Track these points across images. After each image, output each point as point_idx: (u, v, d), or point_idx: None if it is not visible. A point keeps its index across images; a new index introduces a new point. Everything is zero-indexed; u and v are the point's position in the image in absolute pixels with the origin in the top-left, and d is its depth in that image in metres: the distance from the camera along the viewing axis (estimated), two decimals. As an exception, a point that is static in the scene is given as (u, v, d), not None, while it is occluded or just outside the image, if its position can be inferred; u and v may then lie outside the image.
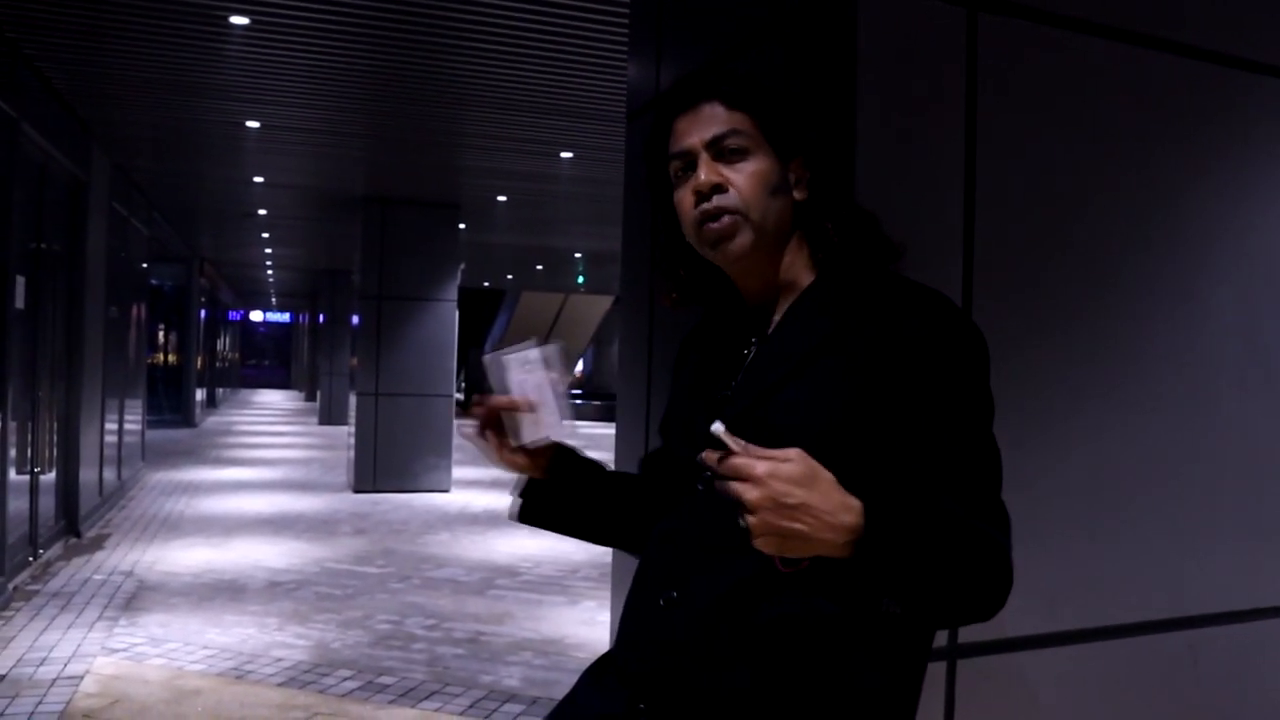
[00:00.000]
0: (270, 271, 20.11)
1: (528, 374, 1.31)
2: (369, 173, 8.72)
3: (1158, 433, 1.72)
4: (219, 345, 25.43)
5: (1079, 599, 1.64)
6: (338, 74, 5.67)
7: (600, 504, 1.44)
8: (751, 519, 0.99)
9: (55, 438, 6.73)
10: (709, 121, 1.24)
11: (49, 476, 6.59)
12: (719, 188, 1.22)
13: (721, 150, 1.24)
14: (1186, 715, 1.76)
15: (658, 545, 1.30)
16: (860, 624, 1.13)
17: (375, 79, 5.77)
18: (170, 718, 3.73)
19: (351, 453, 10.14)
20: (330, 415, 18.19)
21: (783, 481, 0.99)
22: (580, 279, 19.16)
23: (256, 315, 41.47)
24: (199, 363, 17.99)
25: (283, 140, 7.35)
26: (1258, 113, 1.85)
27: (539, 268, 17.77)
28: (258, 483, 10.33)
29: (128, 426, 9.35)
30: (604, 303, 25.11)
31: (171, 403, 16.70)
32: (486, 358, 1.32)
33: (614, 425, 2.35)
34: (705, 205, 1.23)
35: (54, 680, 4.08)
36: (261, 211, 11.13)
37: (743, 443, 1.01)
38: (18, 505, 5.93)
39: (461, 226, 10.60)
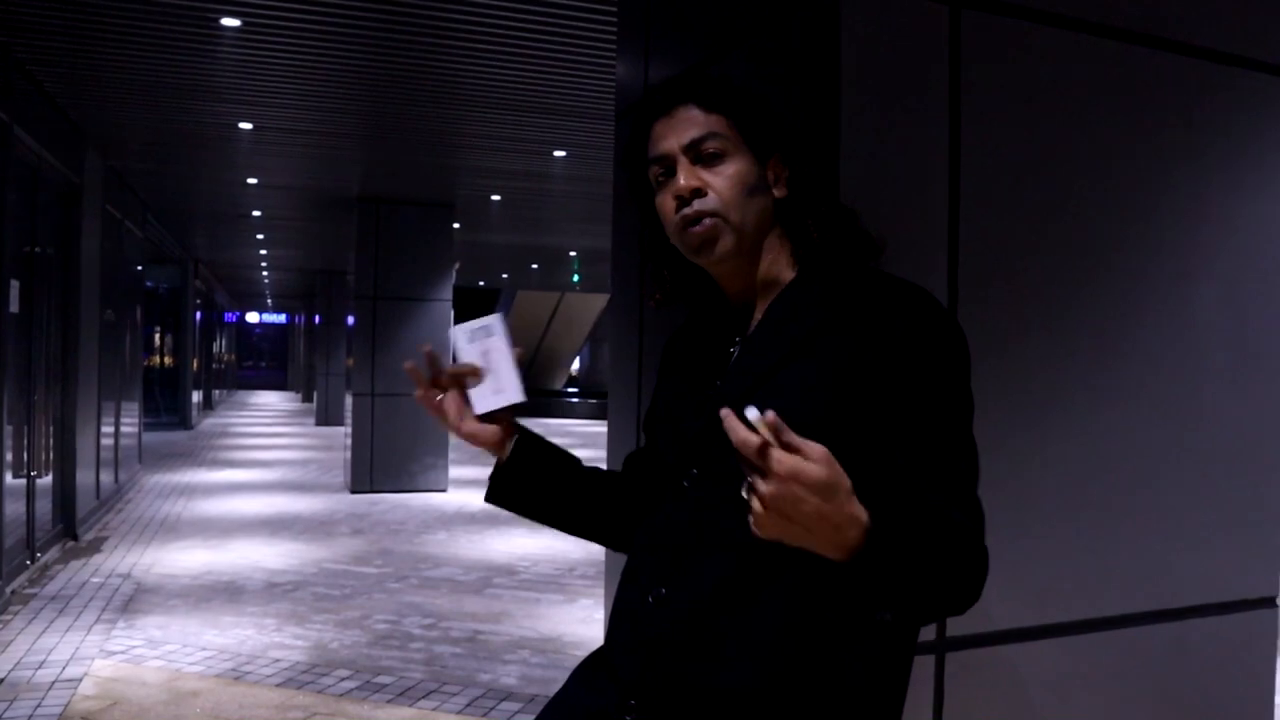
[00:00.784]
0: (266, 273, 20.09)
1: (474, 344, 1.36)
2: (363, 173, 8.73)
3: (1144, 425, 1.74)
4: (216, 347, 25.40)
5: (1067, 592, 1.65)
6: (330, 75, 5.67)
7: (568, 491, 1.44)
8: (758, 509, 0.96)
9: (51, 441, 6.73)
10: (686, 125, 1.26)
11: (46, 480, 6.59)
12: (698, 191, 1.24)
13: (700, 154, 1.25)
14: (1175, 706, 1.77)
15: (645, 543, 1.32)
16: (848, 623, 1.14)
17: (368, 80, 5.78)
18: (169, 718, 3.74)
19: (348, 453, 10.15)
20: (327, 416, 18.18)
21: (803, 486, 0.94)
22: (575, 278, 19.17)
23: (253, 317, 41.45)
24: (195, 365, 17.98)
25: (276, 141, 7.35)
26: (1242, 107, 1.86)
27: (534, 267, 17.78)
28: (255, 484, 10.33)
29: (124, 429, 9.35)
30: (600, 301, 25.13)
31: (168, 405, 16.69)
32: (450, 331, 1.38)
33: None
34: (686, 210, 1.24)
35: (52, 683, 4.09)
36: (256, 213, 11.12)
37: (775, 423, 0.95)
38: (15, 509, 5.94)
39: (456, 226, 10.60)
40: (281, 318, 39.75)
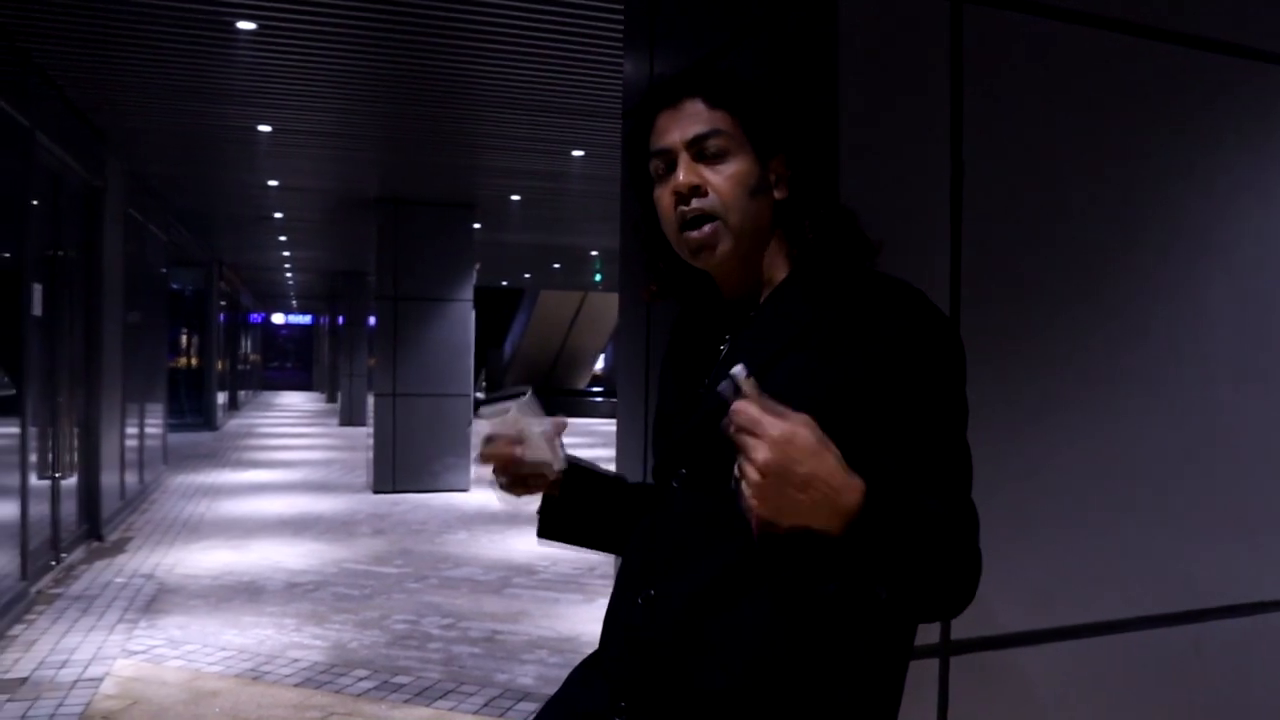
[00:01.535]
0: (289, 274, 20.24)
1: (503, 425, 1.35)
2: (382, 174, 8.76)
3: (1156, 425, 1.70)
4: (241, 348, 25.62)
5: (1076, 594, 1.62)
6: (348, 77, 5.70)
7: (614, 516, 1.44)
8: (755, 478, 0.95)
9: (76, 442, 6.80)
10: (690, 119, 1.24)
11: (71, 481, 6.66)
12: (698, 190, 1.22)
13: (702, 150, 1.23)
14: (1190, 710, 1.74)
15: (636, 544, 1.31)
16: (837, 622, 1.13)
17: (385, 81, 5.80)
18: (188, 718, 3.77)
19: (370, 453, 10.20)
20: (351, 416, 18.29)
21: (796, 449, 0.95)
22: (597, 277, 19.18)
23: (279, 318, 41.75)
24: (220, 366, 18.14)
25: (295, 144, 7.39)
26: (1253, 101, 1.83)
27: (556, 266, 17.80)
28: (278, 484, 10.41)
29: (149, 430, 9.44)
30: (622, 300, 25.06)
31: (193, 406, 16.85)
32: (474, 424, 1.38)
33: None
34: (684, 208, 1.23)
35: (74, 682, 4.13)
36: (278, 215, 11.20)
37: (760, 393, 0.96)
38: (41, 510, 6.01)
39: (476, 226, 10.63)
40: (307, 319, 40.01)
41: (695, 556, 1.19)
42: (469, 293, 10.41)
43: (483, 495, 9.80)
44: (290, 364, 43.72)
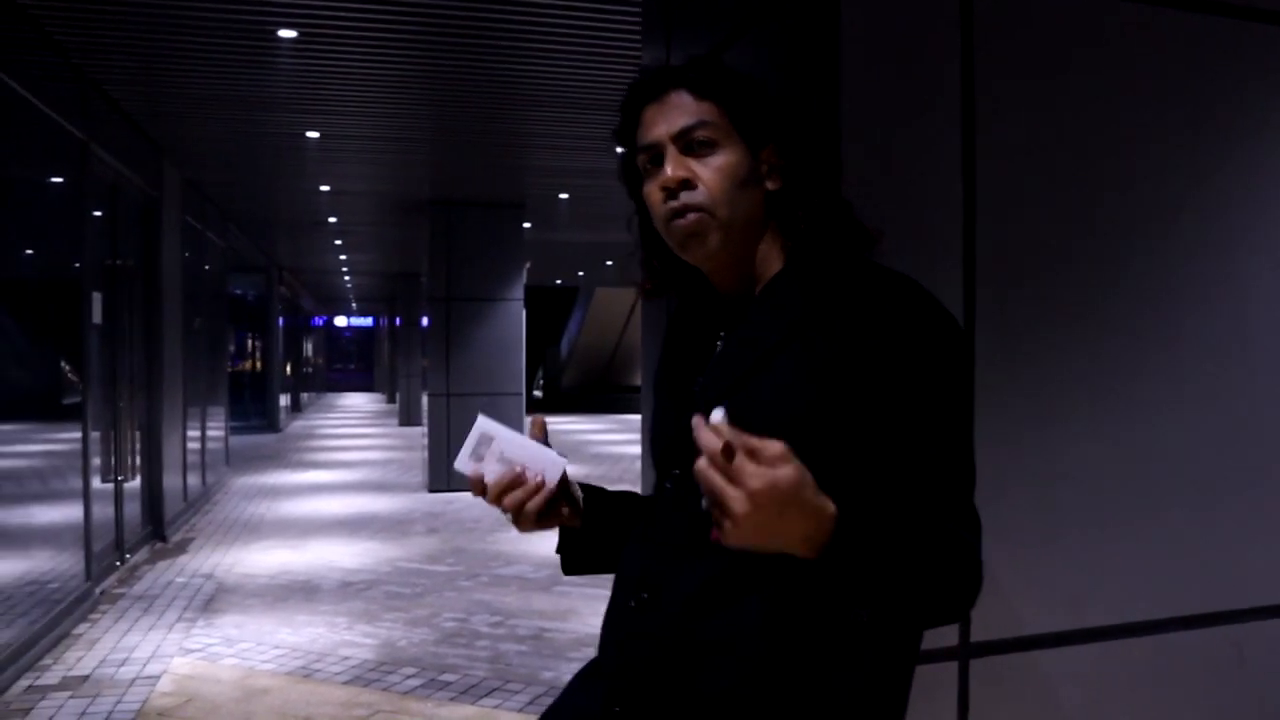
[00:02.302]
0: (347, 277, 20.56)
1: (487, 457, 1.28)
2: (432, 176, 8.85)
3: (1191, 418, 1.63)
4: (305, 351, 26.10)
5: (1107, 594, 1.56)
6: (391, 82, 5.75)
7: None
8: (729, 527, 0.93)
9: (139, 446, 6.97)
10: (676, 112, 1.21)
11: (135, 484, 6.83)
12: (686, 183, 1.19)
13: (690, 143, 1.20)
14: (1233, 713, 1.67)
15: (632, 547, 1.28)
16: (832, 627, 1.09)
17: (429, 85, 5.84)
18: (239, 716, 3.84)
19: (426, 453, 10.31)
20: (409, 416, 18.53)
21: (775, 497, 0.91)
22: (650, 273, 19.11)
23: (341, 320, 42.48)
24: (283, 368, 18.50)
25: (344, 148, 7.49)
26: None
27: (609, 263, 17.82)
28: (337, 485, 10.58)
29: (211, 433, 9.65)
30: (676, 296, 24.99)
31: (256, 408, 17.20)
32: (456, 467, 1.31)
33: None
34: (673, 202, 1.20)
35: (133, 680, 4.24)
36: (332, 219, 11.37)
37: (739, 437, 0.92)
38: (106, 513, 6.18)
39: (526, 226, 10.68)
40: (368, 321, 40.64)
41: (689, 560, 1.16)
42: (520, 292, 10.47)
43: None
44: (353, 366, 44.45)
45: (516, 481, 1.26)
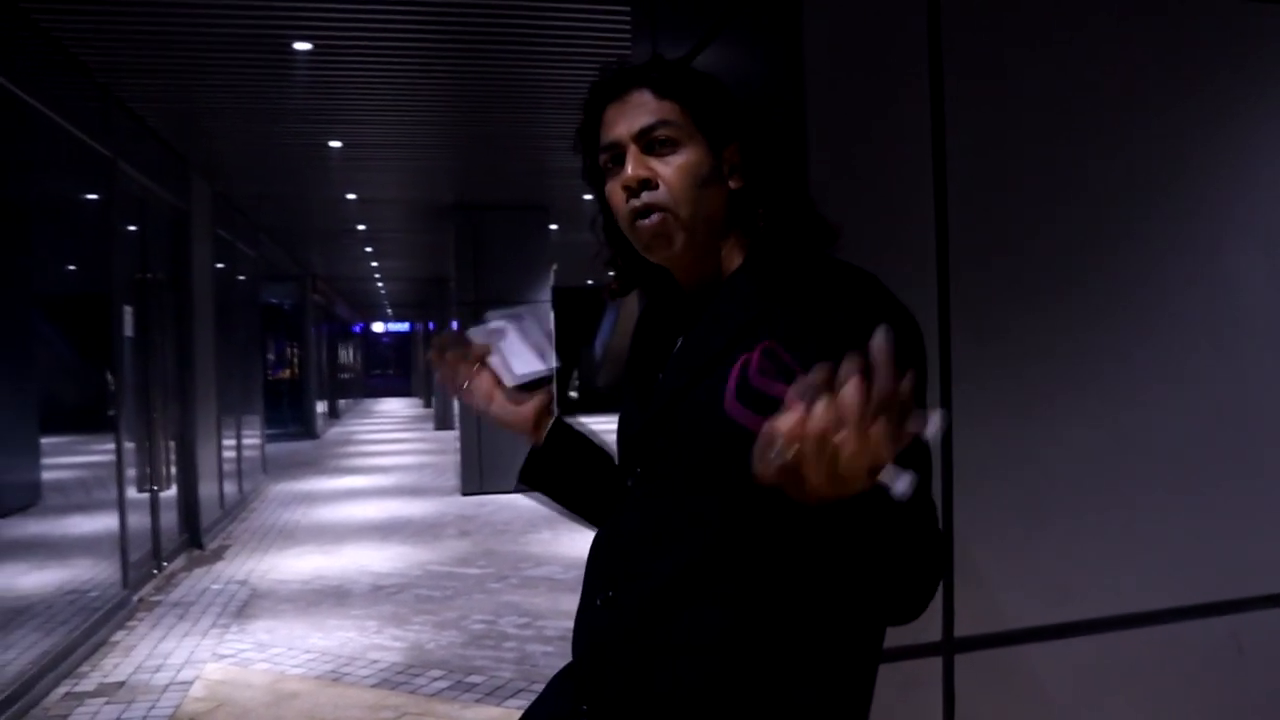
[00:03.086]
0: (380, 284, 20.75)
1: (498, 327, 1.37)
2: (456, 181, 8.91)
3: (1181, 404, 1.61)
4: (343, 357, 26.37)
5: (1097, 585, 1.55)
6: (409, 89, 5.81)
7: (598, 483, 1.43)
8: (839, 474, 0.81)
9: (174, 456, 7.10)
10: (637, 111, 1.21)
11: (171, 493, 6.95)
12: (647, 183, 1.19)
13: (650, 142, 1.20)
14: (1232, 705, 1.64)
15: (598, 544, 1.30)
16: (794, 624, 1.09)
17: (447, 92, 5.89)
18: (269, 719, 3.90)
19: (459, 456, 10.39)
20: (444, 420, 18.65)
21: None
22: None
23: (378, 326, 42.88)
24: (321, 375, 18.70)
25: (367, 157, 7.57)
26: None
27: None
28: (371, 490, 10.68)
29: (247, 441, 9.79)
30: (708, 293, 24.90)
31: (294, 416, 17.41)
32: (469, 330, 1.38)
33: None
34: (634, 202, 1.20)
35: (166, 686, 4.32)
36: (360, 227, 11.49)
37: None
38: (144, 522, 6.30)
39: (553, 228, 10.72)
40: (405, 326, 40.98)
41: (651, 558, 1.17)
42: (547, 294, 10.51)
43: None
44: (391, 371, 44.84)
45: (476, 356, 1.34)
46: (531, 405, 1.39)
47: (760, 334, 1.13)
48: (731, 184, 1.22)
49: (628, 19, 4.63)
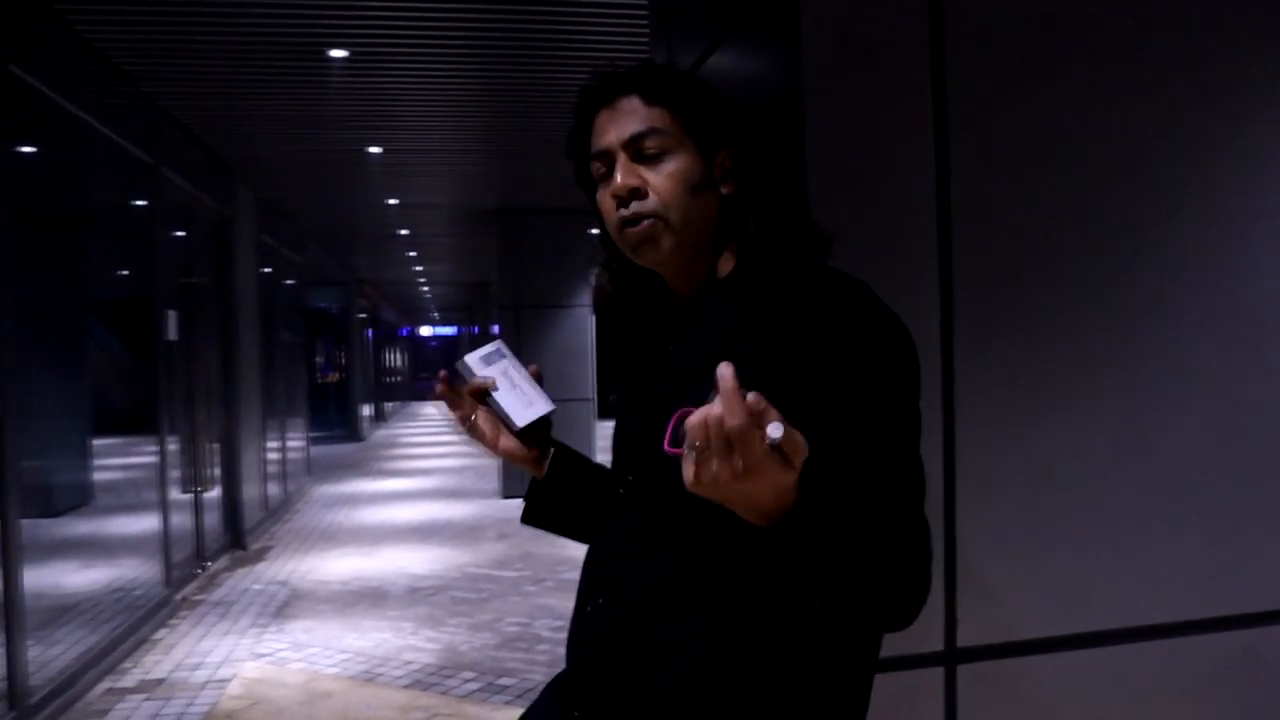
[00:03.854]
0: (425, 288, 20.96)
1: (490, 367, 1.36)
2: (497, 186, 8.97)
3: (1200, 412, 1.56)
4: (390, 360, 26.64)
5: (1105, 597, 1.51)
6: (446, 94, 5.86)
7: (601, 507, 1.42)
8: (716, 462, 0.89)
9: (217, 458, 7.23)
10: (627, 118, 1.20)
11: (215, 494, 7.08)
12: (636, 192, 1.19)
13: (640, 150, 1.20)
14: (1249, 720, 1.59)
15: (591, 550, 1.30)
16: (783, 630, 1.08)
17: (484, 97, 5.93)
18: (302, 718, 3.95)
19: (501, 460, 10.44)
20: (489, 423, 18.77)
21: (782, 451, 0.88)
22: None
23: (426, 330, 43.31)
24: (367, 378, 18.92)
25: (407, 163, 7.65)
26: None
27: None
28: (413, 492, 10.79)
29: (292, 443, 9.94)
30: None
31: (340, 419, 17.64)
32: (458, 364, 1.38)
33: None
34: (624, 210, 1.20)
35: (204, 683, 4.40)
36: (403, 231, 11.62)
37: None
38: (189, 522, 6.42)
39: (593, 232, 10.71)
40: (452, 330, 41.34)
41: (637, 566, 1.16)
42: (587, 298, 10.55)
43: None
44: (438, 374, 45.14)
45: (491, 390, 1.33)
46: (540, 441, 1.38)
47: (746, 344, 1.12)
48: (723, 190, 1.21)
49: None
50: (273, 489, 8.81)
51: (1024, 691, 1.47)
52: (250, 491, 7.76)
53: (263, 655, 4.81)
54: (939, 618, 1.41)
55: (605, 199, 1.22)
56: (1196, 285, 1.57)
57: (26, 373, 6.52)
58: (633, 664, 1.14)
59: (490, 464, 12.84)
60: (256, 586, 6.32)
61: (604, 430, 1.34)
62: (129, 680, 4.47)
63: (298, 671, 4.55)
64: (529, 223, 10.12)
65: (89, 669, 4.38)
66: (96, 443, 8.12)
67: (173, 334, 6.06)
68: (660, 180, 1.18)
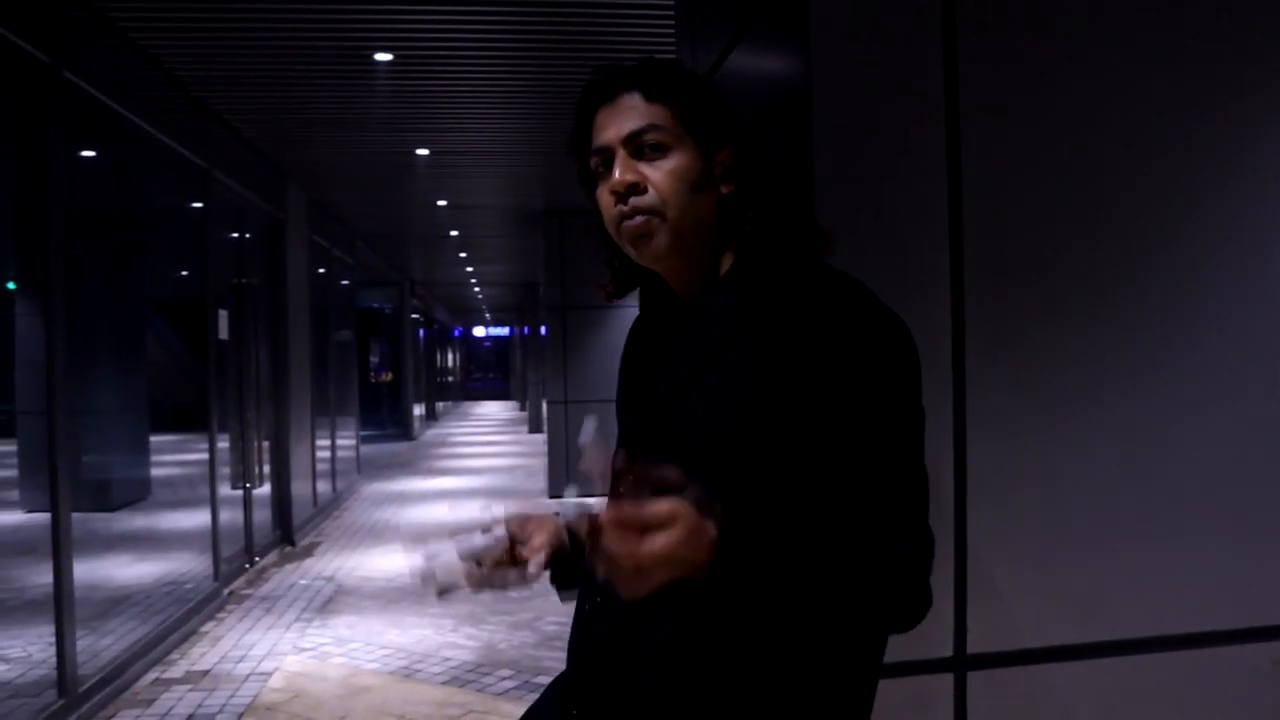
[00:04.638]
0: (477, 288, 21.15)
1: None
2: (543, 187, 9.02)
3: (1220, 417, 1.51)
4: (443, 361, 26.92)
5: (1123, 605, 1.47)
6: (491, 96, 5.90)
7: None
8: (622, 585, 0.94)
9: (267, 456, 7.36)
10: (627, 115, 1.20)
11: (264, 490, 7.21)
12: (635, 187, 1.18)
13: (640, 146, 1.19)
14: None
15: (590, 551, 1.29)
16: (772, 632, 1.07)
17: (529, 98, 5.96)
18: (340, 712, 4.01)
19: (547, 459, 10.51)
20: (538, 423, 18.90)
21: (658, 563, 0.92)
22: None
23: (479, 331, 43.70)
24: (419, 378, 19.14)
25: (455, 164, 7.73)
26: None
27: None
28: (462, 491, 10.89)
29: (342, 441, 10.09)
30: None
31: (392, 418, 17.87)
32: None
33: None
34: (622, 206, 1.19)
35: (248, 676, 4.48)
36: (454, 232, 11.74)
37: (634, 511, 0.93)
38: (239, 518, 6.55)
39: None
40: (505, 330, 41.66)
41: None
42: (634, 299, 10.53)
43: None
44: (491, 375, 45.63)
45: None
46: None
47: (740, 346, 1.11)
48: (724, 189, 1.20)
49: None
50: (322, 486, 8.95)
51: (1037, 700, 1.43)
52: (300, 488, 7.89)
53: (305, 649, 4.88)
54: (948, 623, 1.38)
55: (604, 195, 1.22)
56: (1215, 290, 1.52)
57: (89, 371, 6.75)
58: (626, 663, 1.14)
59: (539, 464, 12.91)
60: (303, 582, 6.43)
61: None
62: (175, 671, 4.57)
63: (338, 666, 4.61)
64: (575, 224, 10.16)
65: (137, 659, 4.49)
66: (155, 439, 8.35)
67: (224, 333, 6.18)
68: (659, 176, 1.18)
